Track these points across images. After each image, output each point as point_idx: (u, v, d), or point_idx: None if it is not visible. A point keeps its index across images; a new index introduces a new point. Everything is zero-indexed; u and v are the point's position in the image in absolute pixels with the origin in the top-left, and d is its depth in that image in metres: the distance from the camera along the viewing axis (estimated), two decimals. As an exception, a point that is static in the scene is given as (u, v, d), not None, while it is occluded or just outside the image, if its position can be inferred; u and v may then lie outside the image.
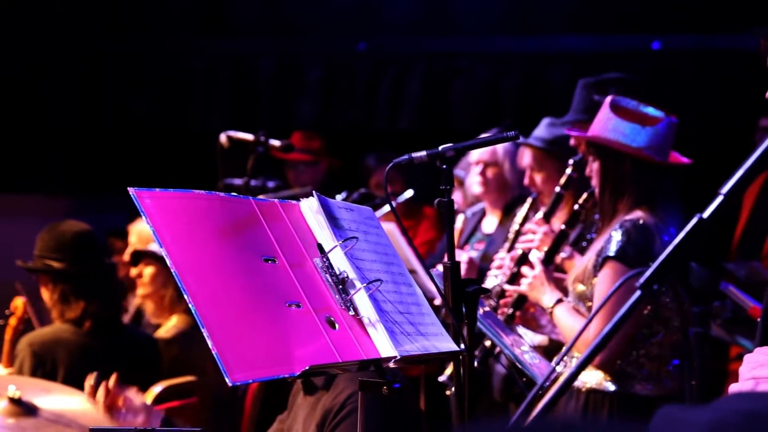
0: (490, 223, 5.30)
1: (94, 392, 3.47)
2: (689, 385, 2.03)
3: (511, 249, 4.65)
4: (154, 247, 5.01)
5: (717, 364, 5.15)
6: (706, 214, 1.92)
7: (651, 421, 1.21)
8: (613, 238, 3.64)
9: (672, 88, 7.33)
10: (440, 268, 2.67)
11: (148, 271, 5.01)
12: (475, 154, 5.24)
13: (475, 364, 4.25)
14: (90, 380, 3.44)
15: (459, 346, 2.53)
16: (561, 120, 4.57)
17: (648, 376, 3.70)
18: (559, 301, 3.82)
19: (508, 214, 5.11)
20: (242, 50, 8.20)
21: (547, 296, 3.87)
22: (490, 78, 7.79)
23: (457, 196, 5.94)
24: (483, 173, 5.19)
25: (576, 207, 4.11)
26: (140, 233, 5.67)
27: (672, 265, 1.88)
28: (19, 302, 4.52)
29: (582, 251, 4.20)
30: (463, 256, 4.80)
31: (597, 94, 4.32)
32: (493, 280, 4.51)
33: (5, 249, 6.21)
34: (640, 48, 7.53)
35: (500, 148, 5.09)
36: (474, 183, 5.27)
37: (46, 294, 4.35)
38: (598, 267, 3.67)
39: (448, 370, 4.72)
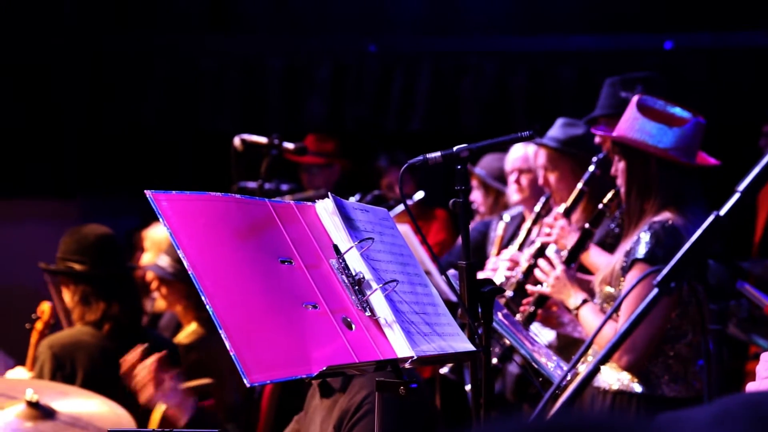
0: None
1: (133, 367, 3.45)
2: (706, 384, 2.03)
3: (521, 248, 4.65)
4: (162, 262, 5.03)
5: (734, 363, 5.13)
6: (722, 212, 1.92)
7: (654, 420, 1.22)
8: (642, 239, 3.61)
9: (684, 87, 7.31)
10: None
11: (162, 290, 5.08)
12: (509, 163, 5.26)
13: (495, 360, 4.24)
14: (133, 353, 3.43)
15: (475, 346, 2.54)
16: (587, 116, 4.57)
17: (675, 377, 3.66)
18: (585, 301, 3.80)
19: None
20: (251, 50, 8.21)
21: (572, 297, 3.84)
22: (500, 77, 7.78)
23: (476, 195, 5.95)
24: (518, 180, 5.20)
25: (601, 206, 4.09)
26: (153, 239, 5.70)
27: (689, 263, 1.89)
28: (45, 306, 4.54)
29: (604, 247, 4.19)
30: (501, 260, 4.76)
31: (623, 91, 4.31)
32: (501, 276, 4.51)
33: (18, 253, 6.24)
34: (652, 47, 7.52)
35: (532, 154, 5.09)
36: (511, 191, 5.29)
37: (67, 296, 4.38)
38: (626, 269, 3.65)
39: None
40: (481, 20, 8.01)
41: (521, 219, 5.35)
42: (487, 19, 7.99)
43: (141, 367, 3.42)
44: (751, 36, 7.25)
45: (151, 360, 3.43)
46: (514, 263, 4.51)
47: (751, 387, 2.37)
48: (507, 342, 4.16)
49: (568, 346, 4.21)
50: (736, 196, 1.95)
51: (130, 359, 3.47)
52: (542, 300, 4.06)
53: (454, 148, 2.72)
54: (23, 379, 4.19)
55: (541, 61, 7.75)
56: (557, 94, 7.58)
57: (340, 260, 2.39)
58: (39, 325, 4.50)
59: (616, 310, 3.45)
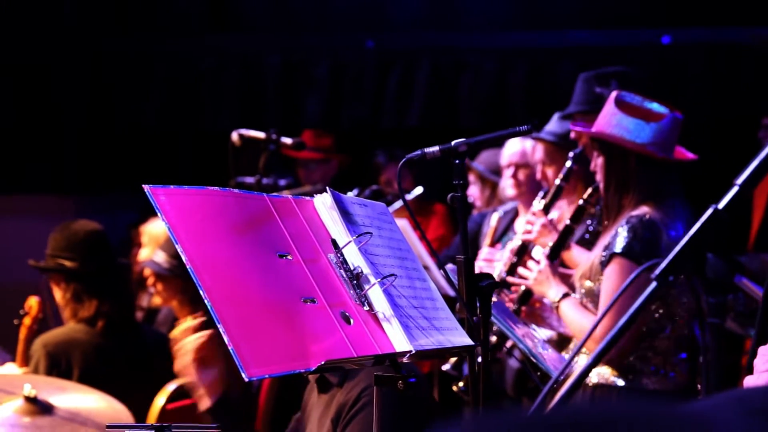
0: (522, 224, 5.26)
1: (186, 333, 3.33)
2: (705, 378, 2.03)
3: None
4: (158, 257, 5.02)
5: (731, 357, 5.14)
6: (721, 205, 1.93)
7: (648, 414, 1.21)
8: (620, 234, 3.64)
9: (682, 82, 7.32)
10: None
11: (158, 285, 5.06)
12: (506, 157, 5.25)
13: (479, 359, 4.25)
14: (194, 322, 3.32)
15: (473, 340, 2.54)
16: (562, 113, 4.57)
17: (655, 370, 3.70)
18: (566, 295, 3.82)
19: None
20: (250, 48, 8.21)
21: (553, 290, 3.87)
22: (498, 73, 7.78)
23: (474, 189, 5.95)
24: (515, 175, 5.20)
25: (581, 202, 4.12)
26: (151, 234, 5.70)
27: (687, 256, 1.89)
28: (33, 302, 4.53)
29: (584, 243, 4.21)
30: (497, 255, 4.75)
31: (597, 87, 4.32)
32: (497, 271, 4.52)
33: (16, 249, 6.24)
34: (650, 42, 7.52)
35: (530, 149, 5.09)
36: (507, 186, 5.27)
37: (58, 293, 4.36)
38: (604, 263, 3.67)
39: (453, 359, 4.72)
40: (479, 17, 8.01)
41: (515, 213, 5.35)
42: (485, 16, 7.99)
43: (193, 336, 3.29)
44: (748, 31, 7.25)
45: (206, 333, 3.29)
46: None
47: (749, 381, 2.38)
48: (493, 339, 4.17)
49: (564, 342, 4.21)
50: (735, 189, 1.96)
51: (188, 326, 3.32)
52: (526, 296, 4.07)
53: (452, 143, 2.72)
54: (21, 375, 4.18)
55: (539, 57, 7.75)
56: (556, 89, 7.57)
57: (339, 255, 2.39)
58: (27, 321, 4.49)
59: (609, 309, 3.46)
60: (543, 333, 4.32)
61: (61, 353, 4.18)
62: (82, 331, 4.26)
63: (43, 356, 4.15)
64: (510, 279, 4.18)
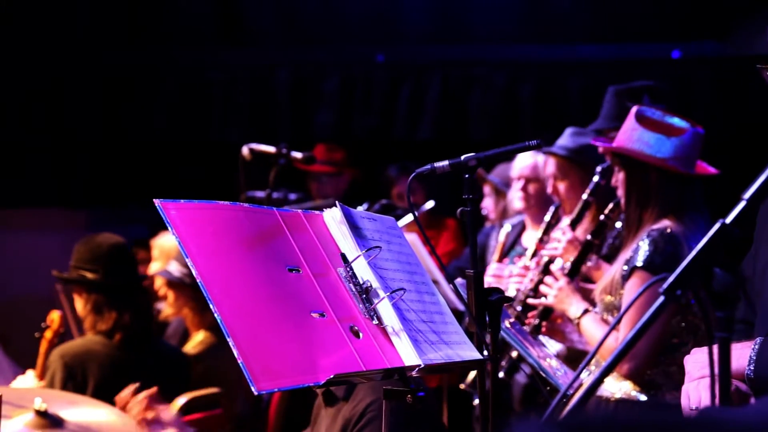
0: (530, 238, 5.27)
1: (127, 402, 3.47)
2: (712, 393, 2.03)
3: (533, 258, 4.66)
4: (171, 267, 5.05)
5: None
6: (728, 220, 1.93)
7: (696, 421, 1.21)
8: (641, 248, 3.64)
9: (691, 96, 7.31)
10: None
11: (170, 294, 5.09)
12: (517, 170, 5.26)
13: (502, 374, 4.26)
14: (126, 391, 3.44)
15: (482, 354, 2.54)
16: (591, 127, 4.58)
17: (677, 385, 3.68)
18: (586, 311, 3.82)
19: None
20: (260, 61, 8.23)
21: (573, 307, 3.87)
22: (508, 87, 7.79)
23: (488, 202, 5.96)
24: (524, 188, 5.20)
25: (602, 218, 4.11)
26: (162, 247, 5.72)
27: (695, 271, 1.89)
28: (55, 315, 4.56)
29: (606, 259, 4.20)
30: (505, 271, 4.76)
31: (629, 101, 4.32)
32: (513, 288, 4.51)
33: (27, 262, 6.26)
34: (660, 57, 7.52)
35: (542, 163, 5.10)
36: (515, 198, 5.28)
37: (79, 304, 4.39)
38: (626, 277, 3.67)
39: (470, 377, 4.72)
40: (488, 31, 8.02)
41: (522, 227, 5.35)
42: (494, 30, 8.00)
43: (132, 405, 3.41)
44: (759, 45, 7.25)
45: (142, 396, 3.40)
46: (527, 269, 4.51)
47: (687, 387, 2.40)
48: (514, 354, 4.17)
49: (578, 357, 4.21)
50: (742, 203, 1.96)
51: (123, 398, 3.44)
52: (547, 312, 4.08)
53: (462, 157, 2.72)
54: (32, 388, 4.20)
55: (548, 71, 7.76)
56: (565, 103, 7.58)
57: (348, 269, 2.40)
58: (48, 334, 4.51)
59: (620, 320, 3.46)
60: (552, 347, 4.31)
61: (78, 365, 4.20)
62: (100, 343, 4.29)
63: (60, 367, 4.18)
64: (530, 301, 4.18)
